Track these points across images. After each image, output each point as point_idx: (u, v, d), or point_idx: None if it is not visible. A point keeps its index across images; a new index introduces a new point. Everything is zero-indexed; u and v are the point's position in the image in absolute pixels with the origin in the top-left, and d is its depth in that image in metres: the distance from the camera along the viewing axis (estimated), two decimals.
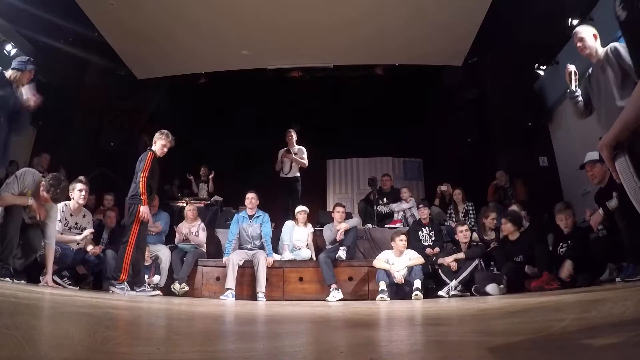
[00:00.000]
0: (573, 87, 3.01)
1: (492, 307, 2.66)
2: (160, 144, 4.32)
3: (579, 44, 2.99)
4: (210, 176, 7.47)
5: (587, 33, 2.99)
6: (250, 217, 5.27)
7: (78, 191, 4.33)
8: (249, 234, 5.17)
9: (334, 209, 5.41)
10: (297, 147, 6.43)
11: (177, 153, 8.42)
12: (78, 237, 4.35)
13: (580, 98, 3.01)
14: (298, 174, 6.37)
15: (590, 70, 2.95)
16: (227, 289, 4.66)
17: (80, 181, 4.38)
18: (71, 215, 4.40)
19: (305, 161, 6.35)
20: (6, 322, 1.28)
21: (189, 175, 7.59)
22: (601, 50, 2.88)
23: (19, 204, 3.58)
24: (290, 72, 7.66)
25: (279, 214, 5.98)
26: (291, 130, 6.43)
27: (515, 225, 4.35)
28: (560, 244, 4.09)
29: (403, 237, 4.72)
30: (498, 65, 6.72)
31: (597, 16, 5.03)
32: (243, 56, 7.22)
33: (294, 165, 6.31)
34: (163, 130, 4.40)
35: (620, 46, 2.72)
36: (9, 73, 3.49)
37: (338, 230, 5.11)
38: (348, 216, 5.58)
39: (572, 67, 3.02)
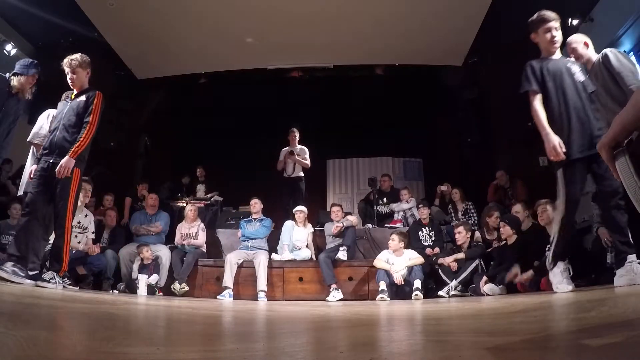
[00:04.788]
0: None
1: (492, 307, 2.66)
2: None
3: (571, 55, 2.99)
4: (203, 175, 7.45)
5: (578, 42, 3.00)
6: (255, 219, 5.38)
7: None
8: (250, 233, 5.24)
9: (330, 208, 5.49)
10: (299, 147, 6.44)
11: (177, 153, 8.48)
12: (80, 246, 4.37)
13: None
14: (301, 174, 6.40)
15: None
16: (225, 287, 4.67)
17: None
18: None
19: (308, 161, 6.38)
20: (6, 322, 1.28)
21: (185, 180, 7.55)
22: (595, 57, 2.89)
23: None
24: (290, 72, 7.67)
25: (280, 214, 5.99)
26: (294, 129, 6.45)
27: (513, 228, 4.34)
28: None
29: (394, 237, 4.71)
30: (498, 65, 6.72)
31: (597, 16, 5.03)
32: (243, 56, 7.22)
33: (297, 165, 6.33)
34: None
35: (611, 52, 2.74)
36: (13, 80, 3.43)
37: (337, 227, 5.13)
38: (347, 215, 5.59)
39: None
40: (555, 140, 2.62)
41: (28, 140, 3.74)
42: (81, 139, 3.29)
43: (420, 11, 6.16)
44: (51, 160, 3.29)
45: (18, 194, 3.63)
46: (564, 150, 2.61)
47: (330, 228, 5.29)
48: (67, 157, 3.22)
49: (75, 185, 3.32)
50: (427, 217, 5.45)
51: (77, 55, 3.52)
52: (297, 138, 6.45)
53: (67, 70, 3.48)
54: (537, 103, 2.83)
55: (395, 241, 4.66)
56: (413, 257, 4.63)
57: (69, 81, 3.50)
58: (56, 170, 3.19)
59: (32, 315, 1.63)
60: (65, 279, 4.12)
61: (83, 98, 3.43)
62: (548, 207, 4.01)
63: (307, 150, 6.44)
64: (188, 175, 7.54)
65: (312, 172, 6.61)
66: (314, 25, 6.51)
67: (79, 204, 4.41)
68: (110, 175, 6.84)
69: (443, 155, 8.49)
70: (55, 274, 3.26)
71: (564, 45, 3.02)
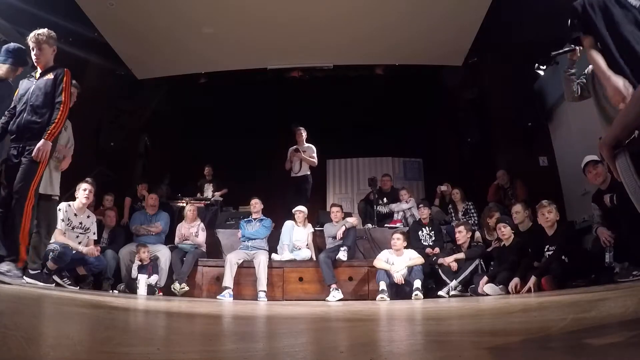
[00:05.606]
0: (572, 69, 2.81)
1: (491, 307, 2.66)
2: None
3: None
4: (210, 174, 7.44)
5: None
6: (255, 219, 5.38)
7: (82, 190, 4.38)
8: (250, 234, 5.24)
9: (330, 208, 5.49)
10: (306, 145, 6.45)
11: (177, 153, 8.47)
12: (80, 247, 4.35)
13: (574, 77, 2.83)
14: (308, 172, 6.39)
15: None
16: (225, 287, 4.67)
17: (87, 182, 4.45)
18: (75, 215, 4.41)
19: (315, 159, 6.38)
20: (6, 322, 1.28)
21: (200, 183, 7.49)
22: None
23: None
24: (290, 72, 7.66)
25: (280, 214, 5.99)
26: (300, 128, 6.46)
27: (513, 229, 4.33)
28: (547, 246, 3.95)
29: (399, 235, 4.72)
30: (498, 65, 6.72)
31: None
32: (243, 56, 7.22)
33: (304, 163, 6.33)
34: None
35: None
36: (1, 68, 3.36)
37: (339, 229, 5.13)
38: (347, 216, 5.59)
39: (578, 50, 2.80)
40: (619, 81, 2.03)
41: None
42: (56, 120, 3.12)
43: (420, 11, 6.15)
44: (21, 145, 3.11)
45: None
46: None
47: (330, 229, 5.29)
48: (43, 140, 3.05)
49: (42, 168, 3.11)
50: (427, 217, 5.45)
51: (44, 30, 3.24)
52: (304, 136, 6.45)
53: (32, 45, 3.24)
54: (590, 48, 2.29)
55: (400, 240, 4.68)
56: (413, 257, 4.63)
57: (32, 57, 3.27)
58: (33, 154, 3.02)
59: (32, 315, 1.63)
60: (65, 278, 4.14)
61: (51, 76, 3.22)
62: (553, 208, 3.98)
63: (314, 148, 6.44)
64: (203, 179, 7.49)
65: (312, 172, 6.62)
66: (314, 26, 6.50)
67: (80, 205, 4.42)
68: (111, 175, 6.84)
69: (443, 155, 8.49)
70: (12, 265, 2.89)
71: None
